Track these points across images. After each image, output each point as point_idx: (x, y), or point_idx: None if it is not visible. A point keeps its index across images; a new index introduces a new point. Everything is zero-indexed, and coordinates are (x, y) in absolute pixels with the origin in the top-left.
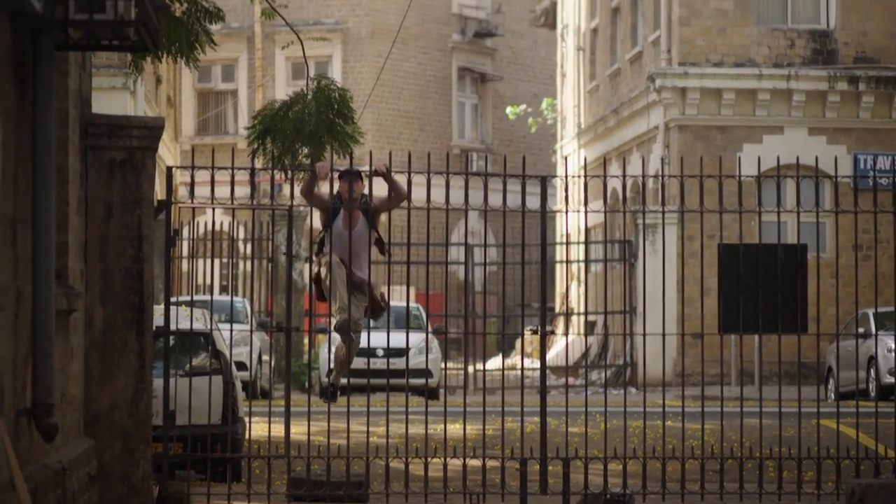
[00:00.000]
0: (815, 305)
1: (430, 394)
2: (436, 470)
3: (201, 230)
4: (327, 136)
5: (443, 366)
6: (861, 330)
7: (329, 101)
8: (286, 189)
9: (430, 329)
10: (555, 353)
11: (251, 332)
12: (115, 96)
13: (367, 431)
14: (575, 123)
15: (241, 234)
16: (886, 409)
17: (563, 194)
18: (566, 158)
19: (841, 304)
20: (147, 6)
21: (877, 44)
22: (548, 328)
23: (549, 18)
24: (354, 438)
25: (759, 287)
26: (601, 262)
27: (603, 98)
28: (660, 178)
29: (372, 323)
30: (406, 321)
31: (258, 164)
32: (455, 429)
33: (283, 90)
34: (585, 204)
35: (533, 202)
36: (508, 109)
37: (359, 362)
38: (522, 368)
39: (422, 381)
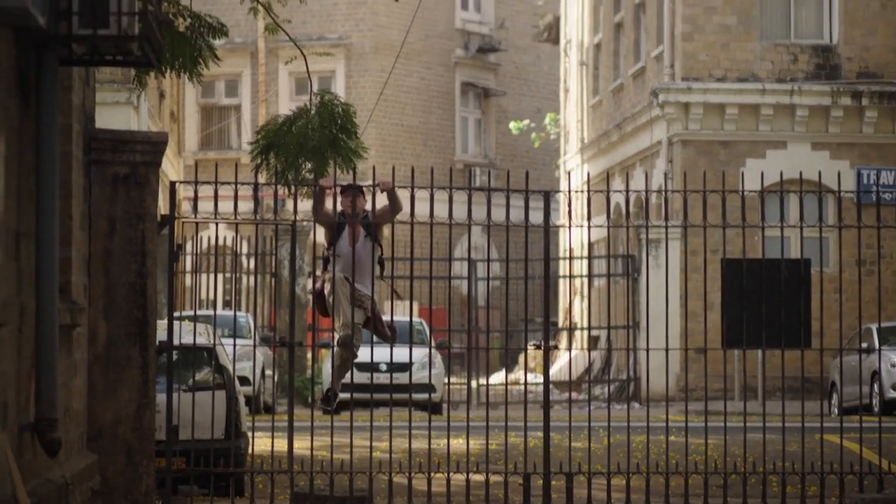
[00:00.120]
0: (818, 320)
1: (433, 409)
2: (439, 485)
3: (204, 245)
4: (330, 151)
5: (446, 381)
6: (864, 345)
7: (332, 116)
8: (289, 204)
9: (433, 344)
10: (558, 367)
11: (254, 346)
12: (119, 111)
13: (371, 446)
14: (578, 138)
15: (245, 249)
16: (890, 424)
17: (567, 209)
18: (569, 173)
19: (844, 318)
20: (151, 21)
21: (880, 59)
22: (551, 343)
23: (552, 33)
24: (357, 453)
25: (762, 302)
26: (604, 277)
27: (606, 113)
28: (663, 192)
29: (375, 337)
30: (409, 336)
31: (261, 179)
32: (458, 443)
33: (286, 105)
34: (588, 219)
35: (536, 217)
36: (512, 124)
37: (362, 377)
38: (526, 383)
39: (425, 395)
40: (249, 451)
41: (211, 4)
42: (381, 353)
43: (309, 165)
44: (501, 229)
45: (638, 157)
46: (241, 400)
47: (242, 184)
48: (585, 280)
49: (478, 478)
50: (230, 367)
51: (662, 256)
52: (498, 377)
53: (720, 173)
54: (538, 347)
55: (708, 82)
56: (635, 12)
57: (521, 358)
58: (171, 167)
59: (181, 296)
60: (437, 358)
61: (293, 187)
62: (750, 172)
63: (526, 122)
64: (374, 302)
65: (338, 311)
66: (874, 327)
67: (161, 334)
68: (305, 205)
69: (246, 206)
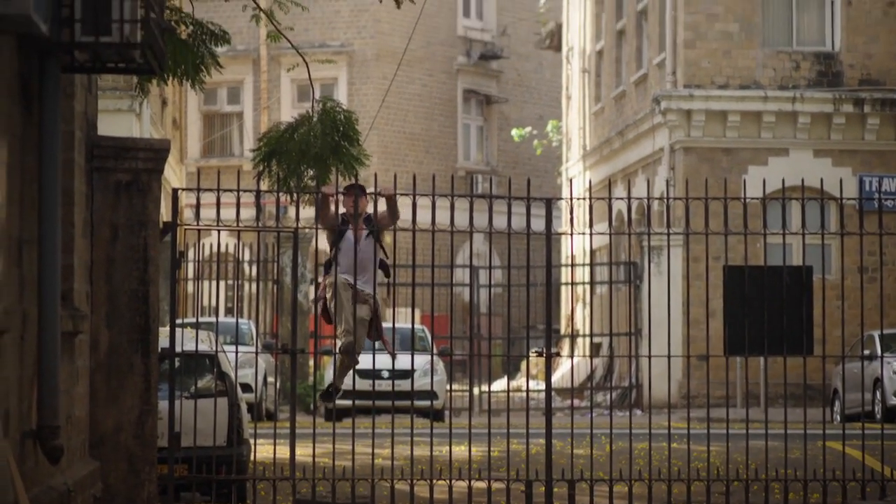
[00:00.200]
0: (820, 327)
1: (435, 416)
2: (441, 492)
3: (207, 252)
4: (333, 158)
5: (448, 388)
6: (867, 352)
7: (334, 123)
8: (291, 211)
9: (435, 351)
10: (560, 374)
11: (256, 353)
12: (121, 118)
13: (373, 453)
14: (580, 145)
15: (247, 256)
16: (892, 431)
17: (569, 216)
18: (571, 180)
19: (846, 325)
20: (153, 29)
21: (882, 66)
22: (553, 350)
23: (554, 41)
24: (359, 460)
25: (764, 309)
26: (606, 284)
27: (608, 120)
28: (665, 200)
29: (378, 344)
30: (411, 343)
31: (263, 186)
32: (460, 450)
33: (288, 112)
34: (590, 226)
35: (538, 224)
36: (514, 131)
37: (364, 384)
38: (528, 390)
39: (427, 402)
40: (251, 458)
41: (213, 12)
42: (384, 361)
43: (311, 173)
44: (503, 236)
45: (640, 164)
46: (244, 407)
47: (245, 191)
48: (587, 287)
49: (480, 485)
50: (232, 374)
51: (664, 263)
52: (500, 384)
53: (722, 180)
54: (540, 354)
55: (710, 89)
56: (637, 20)
57: (523, 365)
58: (174, 174)
59: (183, 303)
60: (440, 365)
61: (295, 194)
62: (752, 179)
63: (528, 129)
64: (375, 301)
65: (340, 318)
66: (876, 334)
67: (163, 341)
68: (307, 212)
69: (248, 214)
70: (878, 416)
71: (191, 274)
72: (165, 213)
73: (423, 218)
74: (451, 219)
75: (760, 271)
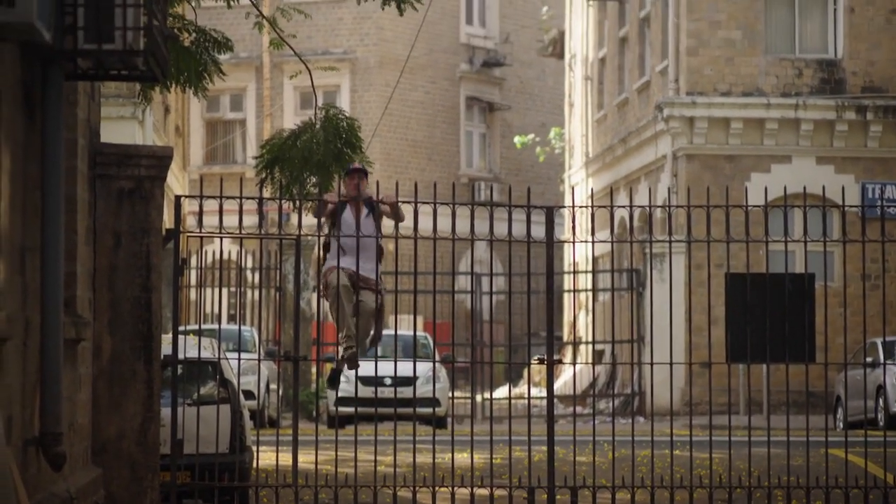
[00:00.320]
0: (822, 334)
1: (437, 423)
2: (443, 499)
3: (209, 259)
4: (335, 165)
5: (450, 395)
6: (869, 359)
7: (337, 130)
8: (294, 218)
9: (437, 358)
10: (562, 382)
11: (259, 360)
12: (124, 126)
13: (375, 460)
14: (583, 153)
15: (249, 263)
16: (895, 438)
17: (571, 224)
18: (573, 188)
19: (849, 333)
20: (156, 36)
21: (884, 73)
22: (555, 357)
23: (556, 48)
24: (362, 467)
25: (766, 316)
26: (609, 292)
27: (611, 127)
28: (667, 207)
29: (380, 352)
30: (413, 350)
31: (266, 193)
32: (463, 458)
33: (291, 119)
34: (592, 233)
35: (540, 231)
36: (516, 139)
37: (367, 391)
38: (530, 397)
39: (429, 410)
40: (254, 465)
41: (216, 19)
42: (386, 368)
43: (314, 180)
44: (506, 244)
45: (642, 171)
46: (246, 414)
47: (247, 198)
48: (590, 294)
49: (482, 492)
50: (235, 381)
51: (667, 271)
52: (502, 391)
53: (725, 188)
54: (542, 362)
55: (713, 97)
56: (640, 27)
57: (526, 372)
58: (176, 181)
59: (186, 310)
60: (442, 372)
61: (298, 201)
62: (754, 187)
63: (531, 136)
64: (380, 292)
65: (342, 322)
66: (879, 341)
67: (166, 348)
68: (310, 219)
69: (251, 221)
70: (881, 424)
71: (193, 281)
72: (168, 221)
73: (425, 225)
74: (452, 226)
75: (763, 279)
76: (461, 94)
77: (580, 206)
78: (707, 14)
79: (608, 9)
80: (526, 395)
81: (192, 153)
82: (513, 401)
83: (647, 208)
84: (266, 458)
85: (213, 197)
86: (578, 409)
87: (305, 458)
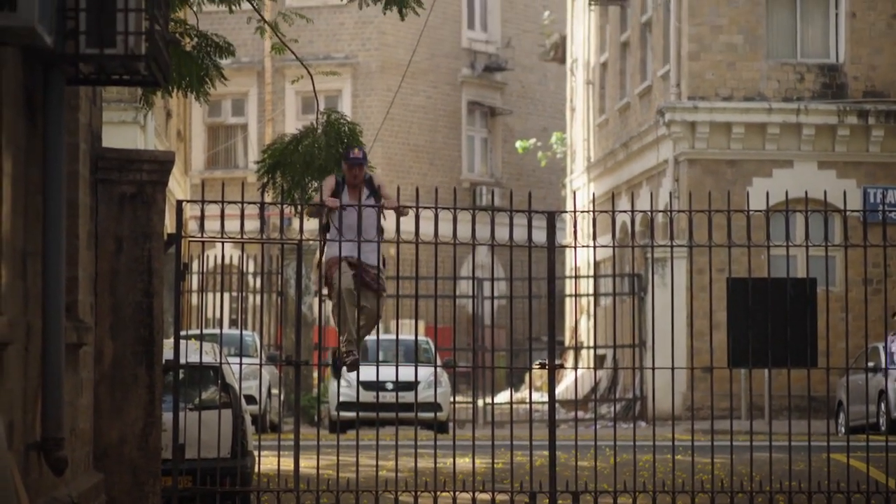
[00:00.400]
0: (824, 339)
1: (439, 427)
2: None
3: (211, 264)
4: (337, 169)
5: (452, 399)
6: (871, 364)
7: (339, 135)
8: (296, 223)
9: (439, 363)
10: (564, 386)
11: (260, 365)
12: (126, 130)
13: (377, 465)
14: (584, 157)
15: (251, 268)
16: None
17: (573, 229)
18: (575, 192)
19: (851, 337)
20: (157, 41)
21: (886, 78)
22: (557, 362)
23: (558, 53)
24: (364, 472)
25: (768, 321)
26: (610, 296)
27: (612, 132)
28: (669, 212)
29: (381, 356)
30: (415, 355)
31: (268, 197)
32: (464, 462)
33: (292, 124)
34: (594, 238)
35: (541, 236)
36: (518, 143)
37: (368, 396)
38: (531, 402)
39: (431, 414)
40: (255, 469)
41: (218, 24)
42: (387, 373)
43: (315, 184)
44: (507, 248)
45: (644, 176)
46: (248, 419)
47: (249, 203)
48: (591, 299)
49: (484, 497)
50: (236, 386)
51: (668, 275)
52: (504, 396)
53: (726, 192)
54: (544, 366)
55: (714, 101)
56: (641, 31)
57: (527, 377)
58: (178, 186)
59: (187, 315)
60: (443, 377)
61: (299, 206)
62: (756, 191)
63: (532, 141)
64: (380, 278)
65: (343, 326)
66: (881, 346)
67: (167, 353)
68: (312, 224)
69: (252, 225)
70: (883, 428)
71: (195, 286)
72: (170, 225)
73: (427, 230)
74: (453, 231)
75: (764, 283)
76: (463, 98)
77: (582, 211)
78: (709, 18)
79: (610, 13)
80: (528, 400)
81: (193, 158)
82: (514, 405)
83: (649, 213)
84: (268, 462)
85: (215, 202)
86: (580, 413)
87: (307, 463)
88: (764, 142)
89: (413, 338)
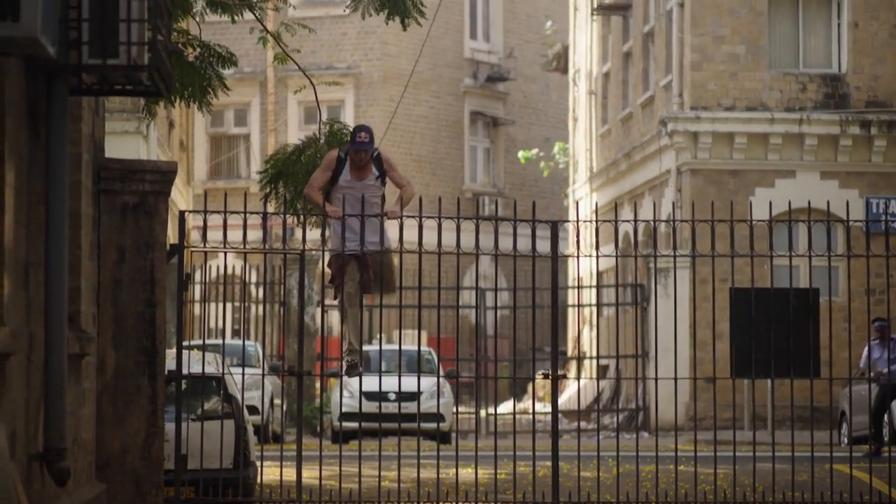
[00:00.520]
0: (827, 349)
1: (441, 438)
2: None
3: (213, 274)
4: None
5: (454, 410)
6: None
7: (341, 144)
8: (298, 233)
9: (441, 373)
10: (567, 397)
11: (263, 375)
12: (128, 141)
13: (379, 475)
14: (587, 167)
15: (254, 278)
16: None
17: (575, 239)
18: (578, 203)
19: (853, 348)
20: (160, 51)
21: (888, 88)
22: (560, 372)
23: (560, 63)
24: (366, 483)
25: (771, 331)
26: (613, 306)
27: (615, 142)
28: (671, 222)
29: (384, 367)
30: (418, 365)
31: (270, 208)
32: (467, 473)
33: (295, 134)
34: (597, 248)
35: (544, 246)
36: (520, 153)
37: (371, 406)
38: (534, 412)
39: (433, 425)
40: (258, 480)
41: (220, 34)
42: (390, 383)
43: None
44: (510, 259)
45: (647, 186)
46: (250, 429)
47: (251, 213)
48: (594, 309)
49: None
50: (239, 397)
51: (671, 286)
52: (506, 406)
53: (729, 202)
54: (547, 377)
55: (716, 111)
56: (644, 42)
57: (530, 387)
58: (181, 196)
59: (190, 325)
60: (446, 387)
61: (302, 216)
62: (759, 201)
63: (535, 151)
64: (386, 249)
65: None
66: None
67: (170, 363)
68: (314, 234)
69: (255, 235)
70: (886, 439)
71: (197, 296)
72: (172, 235)
73: (430, 240)
74: (457, 241)
75: (767, 293)
76: (465, 108)
77: (584, 221)
78: (711, 29)
79: (612, 23)
80: (530, 411)
81: (196, 168)
82: (517, 416)
83: (652, 223)
84: (270, 473)
85: (217, 212)
86: (583, 424)
87: (309, 474)
88: (766, 152)
89: (416, 348)
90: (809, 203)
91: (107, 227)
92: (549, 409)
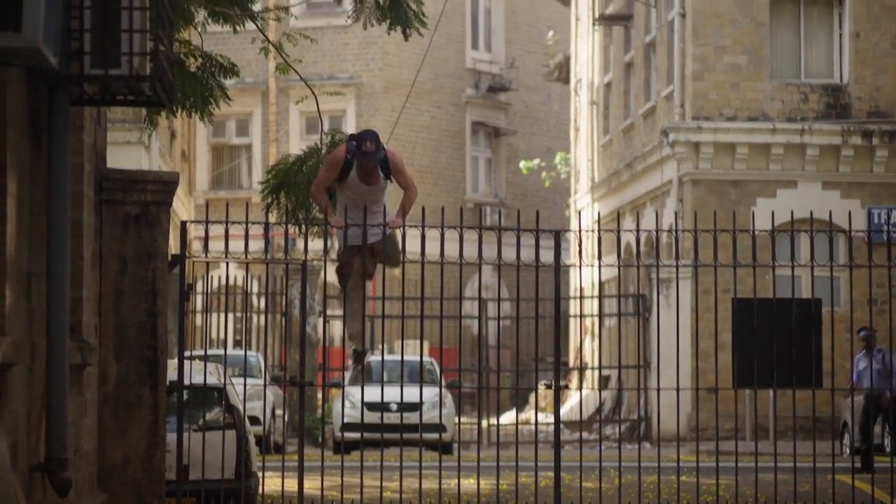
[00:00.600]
0: (829, 360)
1: (443, 448)
2: None
3: (215, 284)
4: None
5: (456, 420)
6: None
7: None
8: (300, 243)
9: (443, 383)
10: (569, 407)
11: (265, 386)
12: (130, 151)
13: (381, 486)
14: (588, 177)
15: (255, 289)
16: None
17: (577, 248)
18: (579, 213)
19: (855, 358)
20: (162, 61)
21: (890, 98)
22: (562, 383)
23: (562, 73)
24: (368, 493)
25: (773, 341)
26: (615, 317)
27: (616, 152)
28: (674, 232)
29: (386, 377)
30: (420, 375)
31: (272, 218)
32: (469, 484)
33: (297, 144)
34: (599, 258)
35: (547, 256)
36: (522, 164)
37: (373, 417)
38: (536, 423)
39: (435, 435)
40: (260, 491)
41: (222, 44)
42: (392, 393)
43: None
44: (512, 269)
45: (648, 196)
46: (252, 440)
47: (253, 223)
48: (596, 319)
49: None
50: (240, 407)
51: (673, 296)
52: (508, 417)
53: (731, 213)
54: (549, 387)
55: (718, 121)
56: (645, 52)
57: (532, 397)
58: (182, 206)
59: (192, 335)
60: (448, 398)
61: (304, 227)
62: (760, 212)
63: (536, 161)
64: (388, 232)
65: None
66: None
67: (171, 374)
68: (316, 244)
69: (256, 246)
70: (888, 449)
71: (199, 306)
72: (174, 246)
73: (432, 250)
74: (459, 251)
75: (769, 304)
76: (467, 118)
77: (587, 231)
78: (712, 39)
79: (613, 34)
80: (533, 421)
81: (197, 178)
82: (519, 426)
83: (654, 233)
84: (272, 483)
85: (219, 222)
86: (585, 434)
87: (311, 484)
88: (768, 162)
89: (418, 358)
90: (811, 213)
91: (108, 237)
92: (551, 419)
